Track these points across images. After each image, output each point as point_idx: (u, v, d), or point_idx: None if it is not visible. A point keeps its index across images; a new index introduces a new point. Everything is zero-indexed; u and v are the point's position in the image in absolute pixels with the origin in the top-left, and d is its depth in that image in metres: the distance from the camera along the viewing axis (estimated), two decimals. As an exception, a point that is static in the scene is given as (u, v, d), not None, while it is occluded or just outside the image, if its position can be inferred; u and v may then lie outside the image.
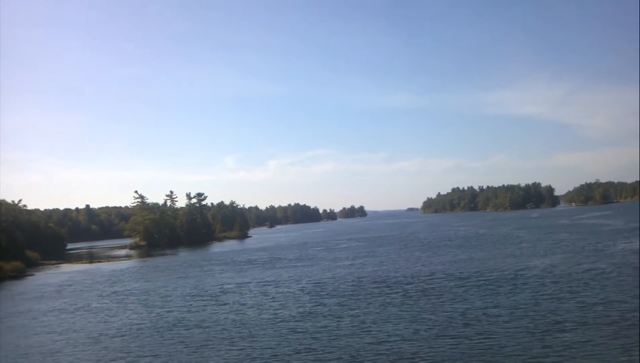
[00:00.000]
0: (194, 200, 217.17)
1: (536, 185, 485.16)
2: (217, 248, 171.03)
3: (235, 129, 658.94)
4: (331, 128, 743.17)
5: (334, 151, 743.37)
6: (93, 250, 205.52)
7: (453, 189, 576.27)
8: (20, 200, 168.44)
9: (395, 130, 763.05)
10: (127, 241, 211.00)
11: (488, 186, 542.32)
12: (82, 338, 42.17)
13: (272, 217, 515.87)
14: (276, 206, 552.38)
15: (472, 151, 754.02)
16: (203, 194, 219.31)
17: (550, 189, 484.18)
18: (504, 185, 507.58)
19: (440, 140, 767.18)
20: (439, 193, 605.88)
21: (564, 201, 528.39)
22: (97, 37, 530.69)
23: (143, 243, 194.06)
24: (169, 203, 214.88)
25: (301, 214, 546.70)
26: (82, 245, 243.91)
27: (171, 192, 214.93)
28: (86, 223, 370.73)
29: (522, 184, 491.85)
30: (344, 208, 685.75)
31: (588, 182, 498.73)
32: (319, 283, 66.36)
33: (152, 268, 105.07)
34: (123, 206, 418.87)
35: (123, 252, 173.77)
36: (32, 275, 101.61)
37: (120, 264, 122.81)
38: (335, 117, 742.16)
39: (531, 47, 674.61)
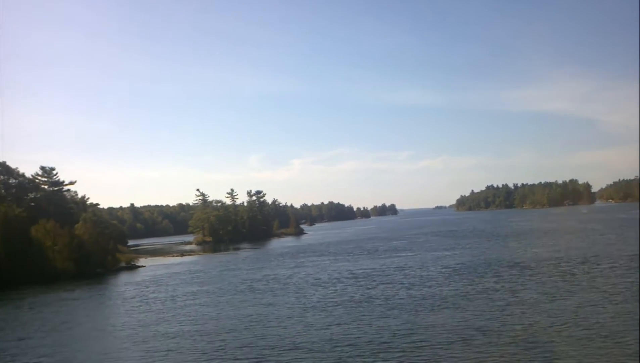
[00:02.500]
0: (253, 198, 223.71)
1: (574, 182, 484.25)
2: (284, 242, 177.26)
3: (259, 128, 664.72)
4: (354, 126, 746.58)
5: (357, 149, 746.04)
6: (156, 246, 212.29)
7: (487, 187, 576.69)
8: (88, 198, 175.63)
9: (419, 128, 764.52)
10: (176, 239, 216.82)
11: (523, 184, 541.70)
12: (284, 313, 48.14)
13: (308, 215, 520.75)
14: (299, 205, 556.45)
15: (496, 149, 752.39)
16: (262, 191, 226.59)
17: (587, 186, 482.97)
18: (540, 182, 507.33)
19: (464, 138, 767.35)
20: (472, 190, 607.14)
21: (599, 198, 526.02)
22: (125, 37, 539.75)
23: (209, 238, 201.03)
24: (229, 200, 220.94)
25: (336, 212, 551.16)
26: (139, 242, 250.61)
27: (232, 190, 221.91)
28: (132, 222, 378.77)
29: (560, 181, 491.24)
30: (376, 206, 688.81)
31: (624, 179, 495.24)
32: (451, 267, 71.95)
33: (247, 259, 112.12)
34: (164, 204, 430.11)
35: (188, 247, 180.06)
36: (143, 266, 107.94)
37: (213, 256, 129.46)
38: (358, 116, 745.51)
39: (554, 43, 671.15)
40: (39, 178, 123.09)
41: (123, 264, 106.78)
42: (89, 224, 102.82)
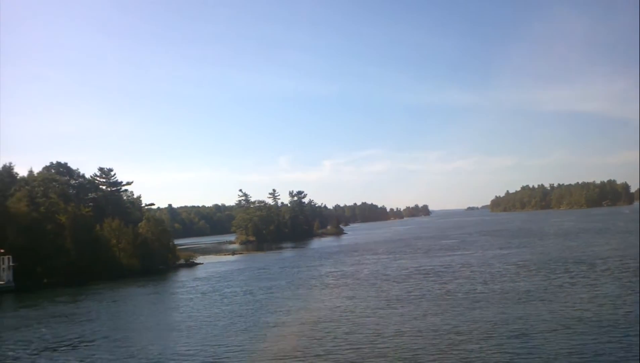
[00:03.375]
0: (295, 198, 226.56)
1: (612, 182, 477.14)
2: (328, 242, 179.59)
3: (289, 129, 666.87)
4: (385, 127, 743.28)
5: (387, 150, 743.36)
6: (198, 245, 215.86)
7: (522, 187, 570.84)
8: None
9: (450, 128, 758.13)
10: (215, 238, 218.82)
11: (559, 184, 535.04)
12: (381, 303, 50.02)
13: (341, 215, 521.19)
14: (331, 206, 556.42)
15: (529, 149, 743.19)
16: (303, 192, 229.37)
17: (626, 187, 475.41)
18: (577, 182, 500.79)
19: (497, 138, 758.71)
20: (507, 191, 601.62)
21: (635, 199, 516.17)
22: (157, 40, 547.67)
23: (253, 238, 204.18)
24: (271, 200, 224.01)
25: (369, 213, 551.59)
26: (179, 242, 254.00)
27: (274, 190, 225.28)
28: (170, 222, 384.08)
29: (597, 181, 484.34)
30: (408, 207, 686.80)
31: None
32: (515, 263, 73.25)
33: (302, 257, 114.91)
34: (200, 205, 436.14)
35: (232, 247, 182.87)
36: (201, 263, 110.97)
37: (264, 255, 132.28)
38: (388, 116, 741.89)
39: (589, 43, 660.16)
40: (98, 178, 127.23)
41: (182, 261, 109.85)
42: (152, 222, 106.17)
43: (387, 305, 49.20)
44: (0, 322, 55.52)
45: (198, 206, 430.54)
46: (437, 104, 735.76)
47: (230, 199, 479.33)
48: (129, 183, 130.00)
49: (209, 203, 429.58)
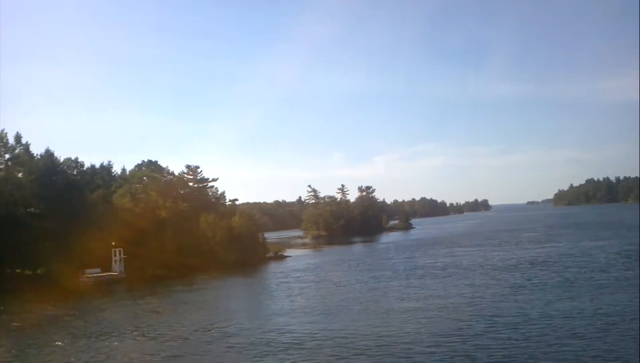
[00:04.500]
0: (364, 193, 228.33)
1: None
2: (401, 236, 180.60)
3: (342, 125, 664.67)
4: (438, 122, 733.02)
5: (442, 144, 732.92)
6: (269, 240, 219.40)
7: (587, 181, 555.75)
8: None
9: (508, 122, 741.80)
10: (281, 234, 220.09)
11: (625, 177, 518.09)
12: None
13: (400, 211, 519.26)
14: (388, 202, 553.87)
15: (590, 141, 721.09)
16: (371, 187, 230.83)
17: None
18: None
19: (556, 130, 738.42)
20: (571, 184, 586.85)
21: None
22: (212, 39, 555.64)
23: (324, 233, 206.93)
24: (340, 196, 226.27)
25: (429, 208, 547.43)
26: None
27: (342, 186, 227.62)
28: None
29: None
30: (467, 202, 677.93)
31: None
32: (618, 253, 73.37)
33: (387, 250, 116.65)
34: (262, 201, 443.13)
35: (302, 241, 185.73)
36: (290, 256, 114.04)
37: (345, 248, 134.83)
38: (442, 110, 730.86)
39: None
40: (186, 175, 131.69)
41: (271, 254, 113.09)
42: (244, 217, 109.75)
43: (513, 291, 50.37)
44: (130, 308, 59.39)
45: (259, 203, 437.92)
46: (495, 97, 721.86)
47: (286, 196, 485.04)
48: (214, 179, 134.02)
49: (268, 200, 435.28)
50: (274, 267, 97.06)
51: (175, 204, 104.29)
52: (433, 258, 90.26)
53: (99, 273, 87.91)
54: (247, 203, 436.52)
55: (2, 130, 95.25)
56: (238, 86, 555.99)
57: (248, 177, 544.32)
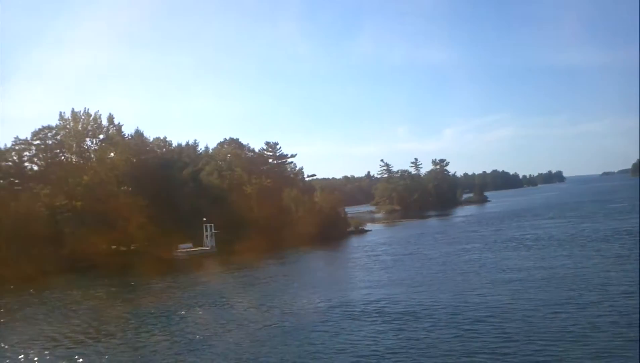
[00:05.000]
0: (437, 167, 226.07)
1: None
2: (478, 209, 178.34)
3: (407, 98, 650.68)
4: (506, 92, 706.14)
5: (512, 115, 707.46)
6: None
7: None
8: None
9: (579, 90, 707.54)
10: (352, 209, 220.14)
11: None
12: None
13: (471, 184, 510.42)
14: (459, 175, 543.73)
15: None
16: (445, 160, 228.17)
17: None
18: None
19: (630, 98, 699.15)
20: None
21: None
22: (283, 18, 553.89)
23: (398, 207, 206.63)
24: (413, 169, 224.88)
25: (501, 181, 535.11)
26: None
27: (415, 159, 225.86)
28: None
29: None
30: (540, 174, 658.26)
31: None
32: None
33: (468, 223, 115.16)
34: (330, 177, 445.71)
35: (376, 216, 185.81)
36: (370, 230, 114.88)
37: (423, 222, 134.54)
38: (510, 80, 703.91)
39: None
40: (266, 152, 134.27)
41: (352, 228, 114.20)
42: (326, 192, 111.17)
43: (618, 261, 49.62)
44: (229, 280, 61.72)
45: (328, 178, 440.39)
46: (562, 64, 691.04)
47: (354, 171, 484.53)
48: (293, 156, 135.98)
49: (337, 175, 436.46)
50: (357, 241, 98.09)
51: (259, 180, 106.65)
52: (521, 230, 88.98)
53: (191, 247, 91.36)
54: (316, 179, 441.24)
55: (97, 112, 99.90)
56: (300, 62, 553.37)
57: (317, 153, 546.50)
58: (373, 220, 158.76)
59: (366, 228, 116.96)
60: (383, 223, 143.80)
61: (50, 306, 52.72)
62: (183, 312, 43.81)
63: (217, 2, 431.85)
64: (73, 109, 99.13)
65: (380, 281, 51.87)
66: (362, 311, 38.72)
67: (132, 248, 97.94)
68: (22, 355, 34.32)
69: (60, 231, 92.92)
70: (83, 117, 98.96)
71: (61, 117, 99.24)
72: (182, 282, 63.44)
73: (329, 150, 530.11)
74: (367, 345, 30.41)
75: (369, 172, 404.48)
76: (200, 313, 43.22)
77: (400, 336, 31.69)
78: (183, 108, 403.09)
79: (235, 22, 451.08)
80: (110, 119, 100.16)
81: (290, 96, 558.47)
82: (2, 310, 52.54)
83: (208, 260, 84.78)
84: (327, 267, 68.90)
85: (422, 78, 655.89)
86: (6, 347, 36.95)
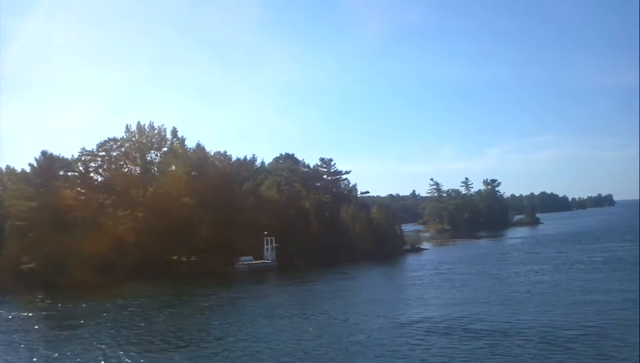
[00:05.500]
0: (489, 187, 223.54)
1: None
2: (531, 232, 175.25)
3: (451, 117, 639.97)
4: (556, 112, 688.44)
5: (559, 136, 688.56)
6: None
7: None
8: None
9: (629, 111, 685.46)
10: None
11: None
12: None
13: (518, 205, 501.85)
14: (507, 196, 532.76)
15: None
16: (496, 180, 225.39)
17: None
18: None
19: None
20: None
21: None
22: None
23: (448, 226, 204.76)
24: (464, 189, 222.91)
25: (550, 203, 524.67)
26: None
27: (466, 179, 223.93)
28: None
29: None
30: (590, 197, 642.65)
31: None
32: None
33: (524, 244, 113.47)
34: (375, 195, 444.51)
35: (425, 235, 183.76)
36: (426, 249, 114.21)
37: (474, 242, 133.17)
38: (559, 100, 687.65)
39: None
40: (320, 168, 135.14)
41: (408, 246, 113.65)
42: (383, 209, 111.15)
43: None
44: (295, 293, 62.21)
45: (373, 196, 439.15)
46: (612, 84, 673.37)
47: (399, 189, 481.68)
48: (347, 172, 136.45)
49: (382, 193, 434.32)
50: (414, 259, 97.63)
51: (318, 195, 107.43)
52: (586, 252, 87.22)
53: (251, 260, 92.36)
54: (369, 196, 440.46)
55: (161, 125, 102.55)
56: (340, 80, 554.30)
57: (362, 170, 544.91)
58: (424, 239, 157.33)
59: (422, 247, 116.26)
60: (434, 242, 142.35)
61: (130, 312, 54.21)
62: (265, 322, 44.57)
63: (268, 21, 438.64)
64: (139, 122, 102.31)
65: (455, 299, 51.59)
66: (447, 327, 38.66)
67: (192, 259, 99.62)
68: (123, 356, 35.48)
69: (123, 241, 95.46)
70: (148, 130, 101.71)
71: (127, 129, 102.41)
72: (251, 293, 64.44)
73: (373, 168, 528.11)
74: (466, 359, 30.35)
75: (414, 191, 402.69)
76: (282, 323, 43.84)
77: (496, 352, 31.59)
78: (239, 123, 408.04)
79: (289, 40, 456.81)
80: (174, 132, 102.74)
81: (335, 114, 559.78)
82: (84, 314, 54.29)
83: (270, 273, 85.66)
84: (393, 284, 68.80)
85: (466, 97, 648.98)
86: (104, 346, 38.21)
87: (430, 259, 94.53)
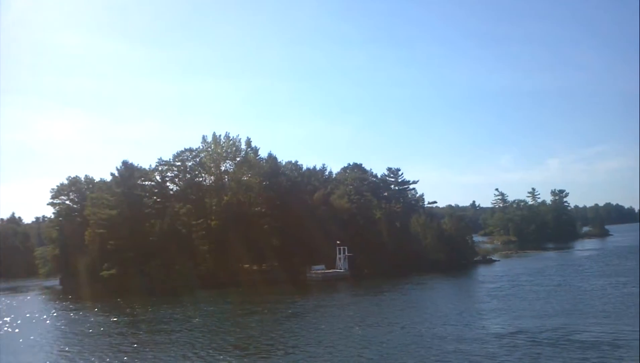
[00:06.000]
0: (557, 197, 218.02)
1: None
2: (604, 244, 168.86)
3: (510, 126, 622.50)
4: (620, 120, 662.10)
5: (624, 146, 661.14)
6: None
7: None
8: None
9: None
10: None
11: None
12: None
13: (583, 217, 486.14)
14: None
15: None
16: (564, 191, 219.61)
17: None
18: None
19: None
20: None
21: None
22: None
23: (514, 238, 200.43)
24: (530, 200, 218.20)
25: (615, 214, 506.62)
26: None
27: (533, 189, 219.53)
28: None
29: None
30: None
31: None
32: None
33: (600, 256, 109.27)
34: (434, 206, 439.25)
35: (489, 247, 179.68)
36: (498, 260, 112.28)
37: (545, 254, 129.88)
38: (625, 107, 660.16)
39: None
40: (388, 178, 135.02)
41: (479, 257, 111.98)
42: (455, 219, 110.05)
43: None
44: (375, 302, 62.20)
45: (432, 207, 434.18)
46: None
47: (458, 200, 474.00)
48: (414, 182, 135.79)
49: (440, 204, 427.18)
50: (487, 270, 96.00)
51: (389, 205, 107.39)
52: None
53: (324, 269, 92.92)
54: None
55: (236, 135, 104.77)
56: (392, 88, 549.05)
57: (420, 180, 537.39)
58: (491, 250, 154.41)
59: (493, 258, 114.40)
60: (501, 253, 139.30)
61: (217, 319, 55.57)
62: (356, 329, 44.91)
63: (327, 30, 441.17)
64: (214, 132, 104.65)
65: (545, 310, 50.54)
66: (549, 338, 37.99)
67: (263, 267, 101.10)
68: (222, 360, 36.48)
69: (196, 249, 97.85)
70: (223, 140, 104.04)
71: (204, 140, 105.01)
72: (331, 302, 64.89)
73: (431, 178, 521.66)
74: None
75: (474, 201, 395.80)
76: (375, 331, 44.02)
77: (612, 363, 30.90)
78: (308, 132, 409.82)
79: (350, 49, 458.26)
80: (248, 142, 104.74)
81: (386, 123, 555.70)
82: (173, 320, 55.97)
83: (344, 283, 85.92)
84: (474, 294, 67.63)
85: (524, 105, 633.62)
86: (203, 353, 39.32)
87: (503, 270, 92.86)
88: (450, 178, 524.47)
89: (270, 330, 47.24)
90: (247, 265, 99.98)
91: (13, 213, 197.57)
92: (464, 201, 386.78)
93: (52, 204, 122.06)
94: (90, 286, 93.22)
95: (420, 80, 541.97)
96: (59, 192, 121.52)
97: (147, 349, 41.89)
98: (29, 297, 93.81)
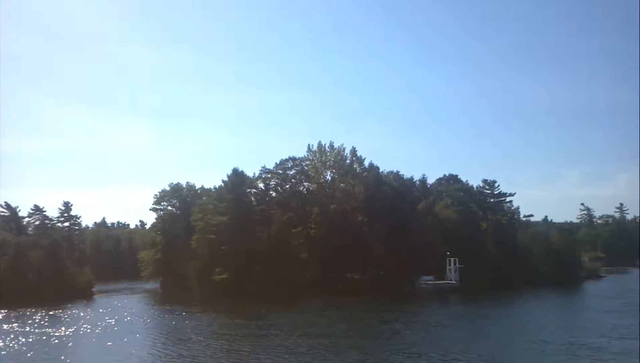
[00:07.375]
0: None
1: None
2: None
3: (576, 141, 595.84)
4: None
5: None
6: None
7: None
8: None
9: None
10: None
11: None
12: None
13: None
14: None
15: None
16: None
17: None
18: None
19: None
20: None
21: None
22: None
23: (602, 254, 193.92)
24: (617, 215, 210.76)
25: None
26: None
27: (621, 204, 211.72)
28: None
29: None
30: None
31: None
32: None
33: None
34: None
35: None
36: (605, 276, 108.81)
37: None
38: None
39: None
40: (483, 190, 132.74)
41: (585, 273, 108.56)
42: (564, 234, 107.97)
43: None
44: (496, 316, 60.96)
45: (528, 219, 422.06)
46: None
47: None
48: (511, 194, 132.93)
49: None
50: (598, 286, 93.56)
51: (496, 216, 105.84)
52: None
53: (433, 280, 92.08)
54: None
55: (341, 145, 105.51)
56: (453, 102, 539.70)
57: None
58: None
59: (601, 274, 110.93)
60: (604, 269, 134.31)
61: (346, 325, 55.50)
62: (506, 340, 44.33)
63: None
64: (320, 142, 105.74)
65: None
66: None
67: (365, 276, 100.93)
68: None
69: (297, 256, 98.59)
70: (328, 150, 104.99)
71: (309, 149, 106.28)
72: (462, 312, 64.26)
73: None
74: None
75: (546, 216, 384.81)
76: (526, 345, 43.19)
77: None
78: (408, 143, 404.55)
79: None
80: (353, 152, 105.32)
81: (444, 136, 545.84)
82: (309, 325, 56.29)
83: (456, 294, 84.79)
84: (605, 309, 65.37)
85: (592, 119, 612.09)
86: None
87: (617, 286, 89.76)
88: (522, 193, 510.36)
89: (426, 337, 47.03)
90: (349, 274, 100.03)
91: (104, 218, 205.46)
92: (537, 216, 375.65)
93: (154, 209, 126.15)
94: (200, 290, 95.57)
95: (479, 93, 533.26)
96: (161, 198, 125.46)
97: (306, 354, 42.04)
98: (143, 297, 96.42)
